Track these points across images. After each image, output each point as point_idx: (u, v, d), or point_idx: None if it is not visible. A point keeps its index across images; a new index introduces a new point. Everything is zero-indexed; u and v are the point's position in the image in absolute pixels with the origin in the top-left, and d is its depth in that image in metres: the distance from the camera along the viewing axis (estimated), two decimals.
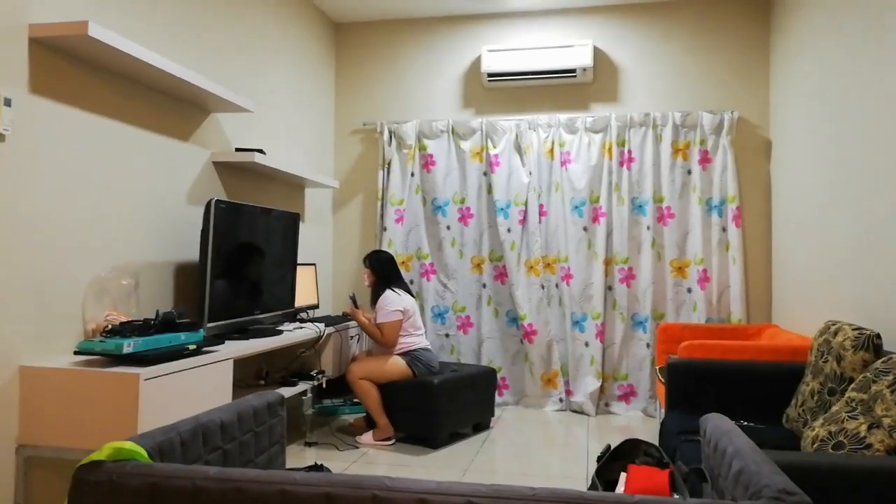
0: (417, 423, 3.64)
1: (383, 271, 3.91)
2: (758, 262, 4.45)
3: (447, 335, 4.79)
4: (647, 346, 4.49)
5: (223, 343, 2.83)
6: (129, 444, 1.26)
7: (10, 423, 2.22)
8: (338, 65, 5.10)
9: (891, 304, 2.72)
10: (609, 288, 4.58)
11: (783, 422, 2.75)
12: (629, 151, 4.55)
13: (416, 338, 3.83)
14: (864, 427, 2.02)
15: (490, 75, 4.66)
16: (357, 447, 3.63)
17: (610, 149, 4.55)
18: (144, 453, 1.28)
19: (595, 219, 4.59)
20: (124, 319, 2.54)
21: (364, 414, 4.03)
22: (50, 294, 2.37)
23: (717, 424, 1.59)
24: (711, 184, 4.47)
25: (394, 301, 3.77)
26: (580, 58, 4.49)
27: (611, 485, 1.74)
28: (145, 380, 2.17)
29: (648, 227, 4.51)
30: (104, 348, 2.23)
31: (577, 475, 3.20)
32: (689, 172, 4.51)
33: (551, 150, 4.65)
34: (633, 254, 4.56)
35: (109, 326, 2.38)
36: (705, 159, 4.47)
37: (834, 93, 3.32)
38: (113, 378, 2.16)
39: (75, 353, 2.28)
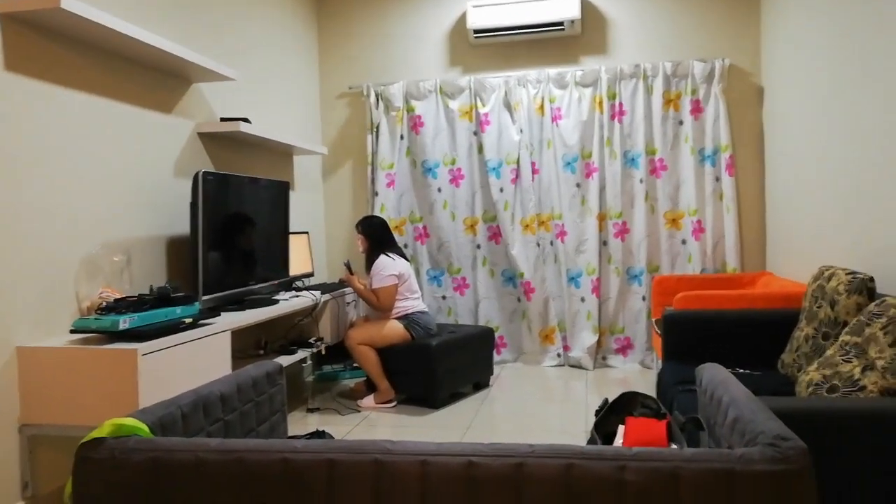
0: (417, 384, 3.68)
1: (376, 236, 3.89)
2: (751, 211, 4.45)
3: (444, 297, 4.80)
4: (643, 299, 4.52)
5: (219, 315, 2.83)
6: (130, 421, 1.27)
7: (12, 403, 2.23)
8: (320, 27, 4.99)
9: (883, 247, 2.73)
10: (604, 243, 4.58)
11: (778, 368, 2.79)
12: (620, 104, 4.50)
13: (413, 301, 3.84)
14: (857, 370, 2.04)
15: (476, 31, 4.57)
16: (359, 411, 3.67)
17: (601, 103, 4.50)
18: (146, 428, 1.28)
19: (588, 174, 4.56)
20: (118, 296, 2.53)
21: (364, 378, 4.06)
22: (42, 274, 2.36)
23: (712, 374, 1.60)
24: (704, 133, 4.43)
25: (388, 266, 3.76)
26: (567, 10, 4.40)
27: (609, 437, 1.77)
28: (143, 355, 2.18)
29: (641, 181, 4.49)
30: (100, 325, 2.22)
31: (576, 429, 3.26)
32: (681, 123, 4.47)
33: (541, 107, 4.60)
34: (626, 208, 4.55)
35: (104, 304, 2.37)
36: (697, 109, 4.43)
37: (827, 37, 3.27)
38: (111, 355, 2.17)
39: (71, 331, 2.28)
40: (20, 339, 2.26)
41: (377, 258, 3.81)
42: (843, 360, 2.14)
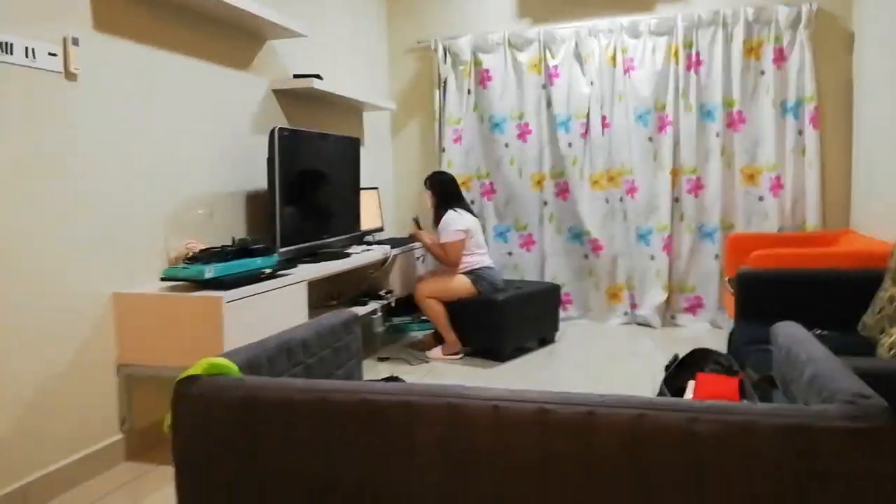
0: (484, 338, 3.74)
1: (444, 192, 3.93)
2: (836, 166, 4.22)
3: (510, 254, 4.81)
4: (716, 257, 4.40)
5: (296, 267, 2.95)
6: (221, 360, 1.36)
7: (110, 345, 2.41)
8: None
9: None
10: (676, 199, 4.47)
11: (859, 329, 2.69)
12: (697, 54, 4.31)
13: (480, 256, 3.88)
14: None
15: None
16: (427, 361, 3.77)
17: (676, 53, 4.32)
18: (235, 368, 1.38)
19: (661, 128, 4.43)
20: (203, 247, 2.67)
21: (433, 330, 4.15)
22: (133, 226, 2.51)
23: (789, 332, 1.57)
24: (787, 84, 4.21)
25: (455, 221, 3.80)
26: None
27: (679, 392, 1.77)
28: (227, 302, 2.30)
29: (718, 134, 4.32)
30: (187, 274, 2.36)
31: (643, 386, 3.25)
32: (763, 73, 4.25)
33: (613, 58, 4.46)
34: (701, 163, 4.40)
35: (190, 254, 2.51)
36: (780, 58, 4.20)
37: None
38: (198, 301, 2.30)
39: (161, 279, 2.43)
40: (116, 286, 2.43)
41: (445, 213, 3.84)
42: None
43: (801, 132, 4.21)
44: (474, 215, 3.97)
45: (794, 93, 4.18)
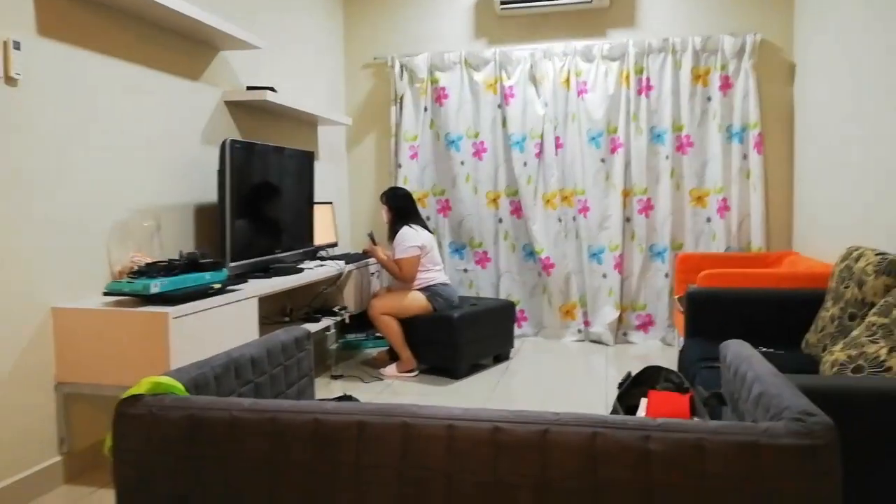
0: (439, 355, 3.72)
1: (400, 208, 3.91)
2: (779, 190, 4.38)
3: (465, 270, 4.82)
4: (666, 276, 4.50)
5: (246, 282, 2.88)
6: (166, 379, 1.31)
7: (48, 362, 2.30)
8: None
9: None
10: (627, 219, 4.56)
11: (802, 348, 2.78)
12: (647, 79, 4.44)
13: (435, 273, 3.87)
14: (884, 350, 2.03)
15: (503, 2, 4.51)
16: (381, 379, 3.73)
17: (627, 77, 4.44)
18: (181, 387, 1.32)
19: (613, 149, 4.52)
20: (149, 261, 2.58)
21: (387, 347, 4.12)
22: (76, 238, 2.41)
23: (737, 350, 1.61)
24: (732, 110, 4.36)
25: (411, 237, 3.79)
26: None
27: (632, 410, 1.79)
28: (174, 318, 2.23)
29: (667, 157, 4.44)
30: (132, 289, 2.28)
31: (597, 403, 3.28)
32: (710, 99, 4.39)
33: (567, 80, 4.55)
34: (651, 184, 4.51)
35: (135, 268, 2.43)
36: (726, 85, 4.35)
37: (860, 12, 3.19)
38: (143, 317, 2.22)
39: (104, 294, 2.34)
40: (56, 301, 2.32)
41: (400, 229, 3.83)
42: (869, 340, 2.13)
43: (745, 156, 4.36)
44: (430, 232, 3.97)
45: (740, 119, 4.33)
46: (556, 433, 1.17)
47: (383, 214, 3.98)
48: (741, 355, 1.57)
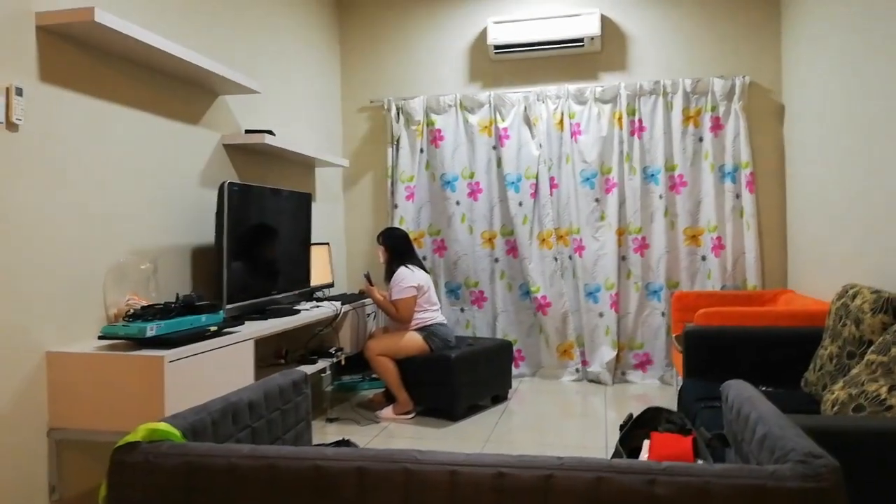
0: (436, 396, 3.69)
1: (397, 248, 3.92)
2: (772, 228, 4.42)
3: (462, 310, 4.81)
4: (662, 314, 4.50)
5: (243, 324, 2.86)
6: (163, 425, 1.29)
7: (41, 407, 2.26)
8: (343, 42, 5.06)
9: None
10: (623, 258, 4.58)
11: (802, 386, 2.77)
12: (640, 121, 4.51)
13: (432, 313, 3.86)
14: (884, 389, 2.02)
15: (497, 47, 4.62)
16: (377, 422, 3.68)
17: (620, 119, 4.51)
18: (178, 433, 1.30)
19: (607, 189, 4.57)
20: (145, 303, 2.57)
21: (383, 389, 4.07)
22: (71, 281, 2.40)
23: (739, 391, 1.60)
24: (724, 150, 4.43)
25: (407, 277, 3.79)
26: (587, 27, 4.43)
27: (634, 452, 1.76)
28: (170, 362, 2.21)
29: (661, 196, 4.48)
30: (127, 332, 2.26)
31: (596, 444, 3.24)
32: (701, 140, 4.47)
33: (561, 122, 4.62)
34: (645, 223, 4.54)
35: (131, 311, 2.41)
36: (717, 126, 4.43)
37: (849, 53, 3.27)
38: (138, 361, 2.20)
39: (99, 337, 2.32)
40: (49, 345, 2.30)
41: (397, 270, 3.83)
42: (869, 378, 2.12)
43: (738, 196, 4.41)
44: (426, 272, 3.97)
45: (731, 158, 4.40)
46: (561, 478, 1.15)
47: (379, 255, 3.98)
48: (743, 396, 1.56)
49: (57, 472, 2.31)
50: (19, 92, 2.19)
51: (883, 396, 2.01)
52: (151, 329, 2.27)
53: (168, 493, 1.20)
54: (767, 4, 4.40)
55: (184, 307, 2.49)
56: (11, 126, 2.17)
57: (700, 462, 1.49)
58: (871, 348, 2.24)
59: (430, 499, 1.16)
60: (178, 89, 3.06)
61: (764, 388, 2.78)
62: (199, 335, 2.44)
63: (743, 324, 3.19)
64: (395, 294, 3.78)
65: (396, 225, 4.76)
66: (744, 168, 4.36)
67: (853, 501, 1.62)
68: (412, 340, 3.73)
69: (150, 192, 2.85)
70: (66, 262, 2.38)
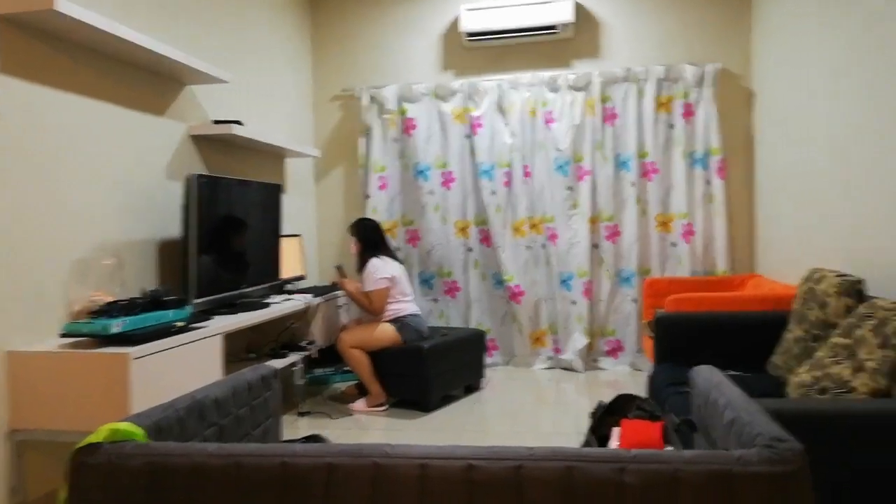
0: (409, 387, 3.68)
1: (368, 239, 3.89)
2: (742, 214, 4.48)
3: (435, 300, 4.80)
4: (634, 301, 4.54)
5: (211, 318, 2.82)
6: (125, 425, 1.26)
7: (1, 408, 2.20)
8: (314, 30, 4.98)
9: (872, 250, 2.76)
10: (595, 246, 4.60)
11: (768, 370, 2.81)
12: (612, 108, 4.53)
13: (405, 304, 3.84)
14: (848, 371, 2.06)
15: (469, 35, 4.59)
16: (350, 415, 3.66)
17: (593, 106, 4.52)
18: (142, 433, 1.27)
19: (579, 177, 4.58)
20: (110, 299, 2.51)
21: (356, 381, 4.05)
22: (32, 277, 2.33)
23: (707, 377, 1.61)
24: (695, 137, 4.47)
25: (380, 269, 3.76)
26: (560, 13, 4.42)
27: (604, 439, 1.77)
28: (135, 359, 2.16)
29: (633, 184, 4.51)
30: (91, 329, 2.21)
31: (568, 431, 3.26)
32: (672, 127, 4.50)
33: (534, 110, 4.61)
34: (617, 211, 4.57)
35: (95, 307, 2.35)
36: (688, 112, 4.46)
37: (816, 41, 3.31)
38: (102, 359, 2.15)
39: (62, 335, 2.26)
40: (10, 344, 2.23)
41: (369, 261, 3.80)
42: (833, 361, 2.16)
43: (709, 182, 4.45)
44: (400, 262, 3.94)
45: (702, 145, 4.44)
46: (531, 469, 1.15)
47: (352, 246, 3.95)
48: (711, 382, 1.57)
49: (18, 473, 2.25)
50: None
51: (846, 378, 2.05)
52: (116, 325, 2.22)
53: (131, 494, 1.17)
54: None
55: (150, 303, 2.43)
56: None
57: (669, 448, 1.50)
58: (836, 331, 2.29)
59: (400, 493, 1.15)
60: (143, 79, 2.98)
61: (732, 372, 2.82)
62: (166, 331, 2.39)
63: (712, 309, 3.23)
64: (367, 285, 3.75)
65: (369, 215, 4.72)
66: (714, 154, 4.40)
67: (818, 483, 1.65)
68: (385, 332, 3.71)
69: (115, 184, 2.78)
70: (27, 258, 2.31)
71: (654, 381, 2.87)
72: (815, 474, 1.66)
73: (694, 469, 1.12)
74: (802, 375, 2.25)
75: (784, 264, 3.87)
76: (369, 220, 3.99)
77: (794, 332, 2.67)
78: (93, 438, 1.23)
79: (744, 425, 1.26)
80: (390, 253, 3.92)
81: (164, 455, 1.18)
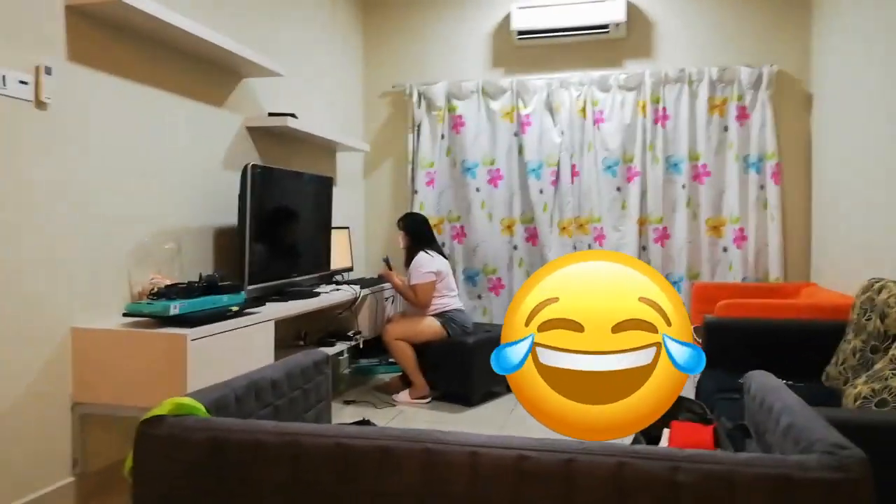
0: (453, 381, 3.70)
1: (417, 233, 3.93)
2: (797, 220, 4.36)
3: (479, 297, 4.81)
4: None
5: (264, 305, 2.89)
6: (188, 400, 1.31)
7: (65, 382, 2.30)
8: (365, 27, 5.04)
9: None
10: (643, 248, 4.54)
11: (823, 380, 2.73)
12: (664, 109, 4.46)
13: (450, 299, 3.86)
14: None
15: (520, 33, 4.58)
16: (394, 405, 3.70)
17: (644, 107, 4.46)
18: (203, 408, 1.32)
19: (629, 178, 4.53)
20: (169, 282, 2.60)
21: (400, 373, 4.09)
22: (96, 259, 2.43)
23: (763, 381, 1.58)
24: (749, 140, 4.36)
25: (426, 263, 3.79)
26: (613, 13, 4.37)
27: (654, 441, 1.76)
28: (192, 340, 2.23)
29: (684, 186, 4.43)
30: (152, 310, 2.29)
31: None
32: (726, 129, 4.40)
33: (583, 109, 4.57)
34: (667, 213, 4.49)
35: (155, 289, 2.44)
36: (743, 115, 4.36)
37: (879, 43, 3.20)
38: (161, 338, 2.23)
39: (124, 314, 2.35)
40: (75, 321, 2.33)
41: (416, 255, 3.83)
42: (893, 374, 2.09)
43: (762, 187, 4.35)
44: (445, 258, 3.97)
45: (757, 149, 4.33)
46: (582, 462, 1.15)
47: (399, 240, 3.99)
48: (767, 386, 1.54)
49: (80, 446, 2.35)
50: (48, 71, 2.21)
51: None
52: (175, 308, 2.29)
53: (193, 466, 1.22)
54: None
55: (206, 287, 2.51)
56: (41, 105, 2.20)
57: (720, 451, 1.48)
58: None
59: (452, 479, 1.16)
60: (203, 71, 3.07)
61: (784, 382, 2.75)
62: (221, 315, 2.46)
63: (764, 316, 3.15)
64: (414, 279, 3.78)
65: (416, 210, 4.76)
66: (769, 159, 4.29)
67: (878, 496, 1.61)
68: (430, 325, 3.74)
69: (175, 172, 2.88)
70: (92, 241, 2.41)
71: (701, 387, 2.82)
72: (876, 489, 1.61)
73: (750, 471, 1.10)
74: (860, 387, 2.18)
75: (841, 273, 3.75)
76: (418, 214, 4.02)
77: (851, 343, 2.60)
78: (157, 411, 1.28)
79: (802, 430, 1.24)
80: (437, 248, 3.95)
81: (226, 430, 1.22)
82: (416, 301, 3.78)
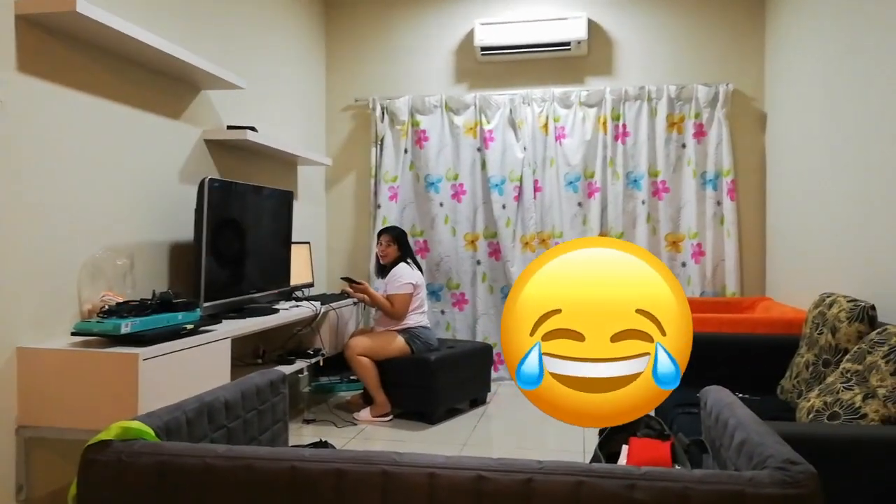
0: (414, 399, 3.67)
1: (404, 244, 3.97)
2: (752, 236, 4.47)
3: (442, 312, 4.80)
4: None
5: (220, 322, 2.82)
6: (136, 424, 1.26)
7: (10, 404, 2.21)
8: (328, 40, 5.03)
9: (885, 275, 2.74)
10: None
11: (778, 394, 2.79)
12: (624, 125, 4.54)
13: (419, 315, 3.85)
14: (859, 397, 2.05)
15: (483, 49, 4.62)
16: (355, 424, 3.65)
17: (605, 123, 4.53)
18: (152, 432, 1.28)
19: (590, 194, 4.59)
20: (120, 300, 2.52)
21: (361, 391, 4.04)
22: (45, 275, 2.35)
23: (718, 396, 1.60)
24: (706, 157, 4.47)
25: (407, 274, 3.80)
26: (574, 30, 4.44)
27: (613, 457, 1.77)
28: (144, 359, 2.17)
29: (643, 202, 4.51)
30: (102, 328, 2.22)
31: (574, 448, 3.24)
32: (684, 146, 4.50)
33: (545, 125, 4.63)
34: (627, 228, 4.56)
35: (106, 307, 2.37)
36: (700, 132, 4.46)
37: (830, 63, 3.31)
38: (112, 358, 2.16)
39: (72, 333, 2.27)
40: (21, 340, 2.24)
41: (398, 265, 3.84)
42: (844, 387, 2.14)
43: (719, 203, 4.45)
44: (422, 272, 4.01)
45: (713, 165, 4.44)
46: (541, 482, 1.15)
47: (379, 250, 3.97)
48: (722, 401, 1.56)
49: (25, 471, 2.26)
50: None
51: (857, 405, 2.03)
52: (126, 326, 2.22)
53: (140, 492, 1.17)
54: (752, 13, 4.45)
55: (160, 304, 2.44)
56: None
57: (678, 468, 1.49)
58: (847, 357, 2.27)
59: (410, 501, 1.15)
60: (161, 83, 3.01)
61: (740, 395, 2.80)
62: (175, 333, 2.40)
63: (721, 330, 3.21)
64: (392, 289, 3.77)
65: (379, 225, 4.74)
66: (725, 175, 4.40)
67: None
68: (394, 342, 3.71)
69: (129, 186, 2.81)
70: (40, 257, 2.33)
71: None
72: (825, 501, 1.64)
73: (704, 488, 1.11)
74: (813, 400, 2.23)
75: (795, 288, 3.85)
76: (399, 227, 4.11)
77: (804, 357, 2.66)
78: (104, 436, 1.23)
79: (755, 446, 1.25)
80: (417, 262, 4.00)
81: (174, 455, 1.18)
82: (391, 311, 3.75)
